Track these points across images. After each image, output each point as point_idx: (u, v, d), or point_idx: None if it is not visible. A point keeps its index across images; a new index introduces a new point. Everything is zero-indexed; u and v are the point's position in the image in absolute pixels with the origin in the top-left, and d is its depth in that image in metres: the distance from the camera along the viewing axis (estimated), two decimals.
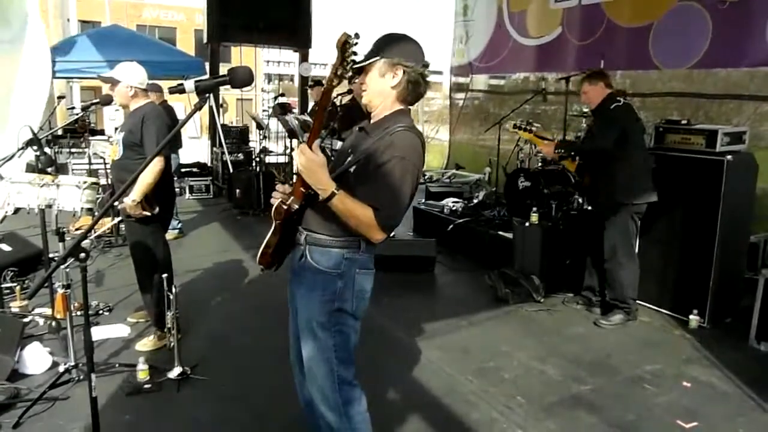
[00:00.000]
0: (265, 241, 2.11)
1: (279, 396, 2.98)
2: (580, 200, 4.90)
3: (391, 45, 2.01)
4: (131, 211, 3.44)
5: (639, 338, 4.06)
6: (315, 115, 1.96)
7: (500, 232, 5.62)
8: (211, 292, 4.75)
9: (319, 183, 1.89)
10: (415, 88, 2.03)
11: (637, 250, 4.56)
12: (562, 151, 4.72)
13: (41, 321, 3.94)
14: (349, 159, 1.99)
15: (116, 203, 3.46)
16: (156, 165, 3.44)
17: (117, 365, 3.39)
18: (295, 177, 2.00)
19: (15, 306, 4.20)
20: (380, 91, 2.02)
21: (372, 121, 2.08)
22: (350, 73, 1.91)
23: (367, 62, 1.99)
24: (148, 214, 3.48)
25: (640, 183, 4.11)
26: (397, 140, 1.93)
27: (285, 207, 2.00)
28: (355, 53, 1.86)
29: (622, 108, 4.12)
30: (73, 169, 8.43)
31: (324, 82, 2.00)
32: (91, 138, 8.44)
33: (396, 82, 2.00)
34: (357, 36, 1.83)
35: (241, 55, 11.16)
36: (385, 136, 1.94)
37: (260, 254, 2.12)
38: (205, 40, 10.25)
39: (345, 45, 1.83)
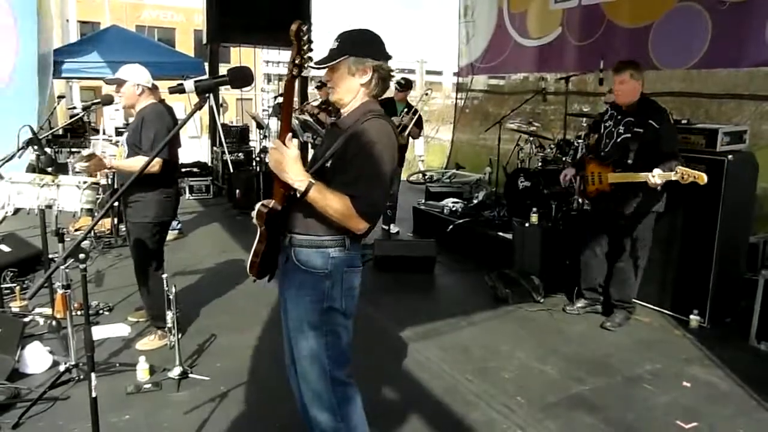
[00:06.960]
0: (252, 250, 2.12)
1: (278, 396, 2.98)
2: (580, 201, 4.90)
3: (359, 42, 2.02)
4: (93, 165, 3.52)
5: (639, 338, 4.05)
6: (282, 111, 1.96)
7: (500, 233, 5.62)
8: (211, 291, 4.74)
9: (294, 176, 1.90)
10: (383, 84, 2.07)
11: None
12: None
13: (41, 320, 3.94)
14: (325, 155, 2.01)
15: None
16: (151, 166, 3.43)
17: (117, 365, 3.39)
18: (275, 181, 2.01)
19: (15, 306, 4.20)
20: (350, 88, 2.04)
21: (342, 116, 2.10)
22: (309, 63, 1.91)
23: (335, 61, 1.99)
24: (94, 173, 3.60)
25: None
26: (368, 127, 1.95)
27: (266, 209, 2.02)
28: (310, 41, 1.86)
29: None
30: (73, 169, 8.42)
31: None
32: (91, 138, 8.43)
33: (366, 80, 2.03)
34: (309, 23, 1.83)
35: (241, 55, 11.16)
36: (356, 125, 1.96)
37: (249, 264, 2.14)
38: (204, 41, 10.25)
39: (298, 33, 1.83)
